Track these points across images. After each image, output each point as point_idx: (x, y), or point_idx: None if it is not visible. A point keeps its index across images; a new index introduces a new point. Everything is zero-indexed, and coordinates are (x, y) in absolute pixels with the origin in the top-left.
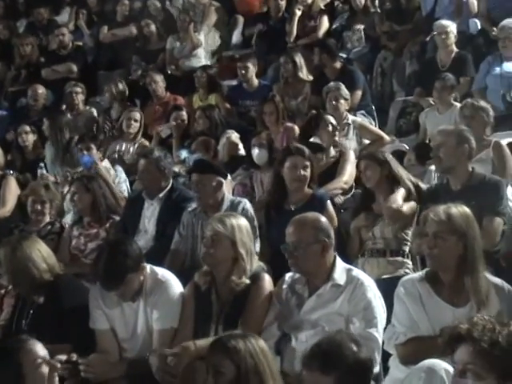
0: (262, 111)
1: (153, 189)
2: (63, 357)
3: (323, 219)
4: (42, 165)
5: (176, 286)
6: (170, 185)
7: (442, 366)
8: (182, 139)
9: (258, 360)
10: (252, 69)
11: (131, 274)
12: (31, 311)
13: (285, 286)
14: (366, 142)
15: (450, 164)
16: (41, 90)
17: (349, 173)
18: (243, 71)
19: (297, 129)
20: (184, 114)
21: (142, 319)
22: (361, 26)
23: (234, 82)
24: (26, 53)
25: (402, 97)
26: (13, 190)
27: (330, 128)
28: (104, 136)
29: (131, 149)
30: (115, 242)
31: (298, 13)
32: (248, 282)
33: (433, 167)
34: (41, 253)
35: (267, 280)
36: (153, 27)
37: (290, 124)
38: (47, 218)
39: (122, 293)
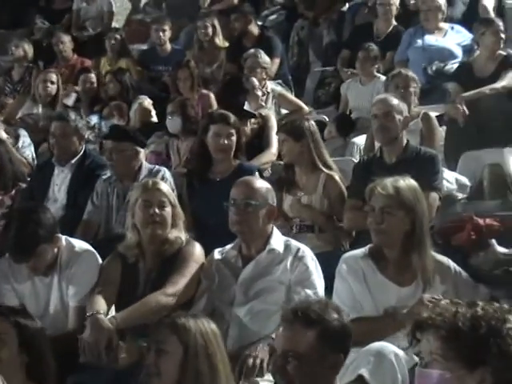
0: (175, 77)
1: (67, 154)
2: None
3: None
4: None
5: (95, 259)
6: (82, 151)
7: (391, 349)
8: (91, 104)
9: (209, 341)
10: (168, 32)
11: (44, 244)
12: None
13: (216, 260)
14: (284, 112)
15: (395, 134)
16: None
17: (275, 142)
18: (160, 33)
19: (212, 96)
20: (93, 76)
21: (55, 295)
22: None
23: (144, 47)
24: None
25: (318, 67)
26: None
27: (259, 92)
28: (4, 98)
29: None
30: (26, 210)
31: None
32: (181, 243)
33: (356, 139)
34: None
35: (198, 247)
36: None
37: (205, 91)
38: None
39: (33, 265)
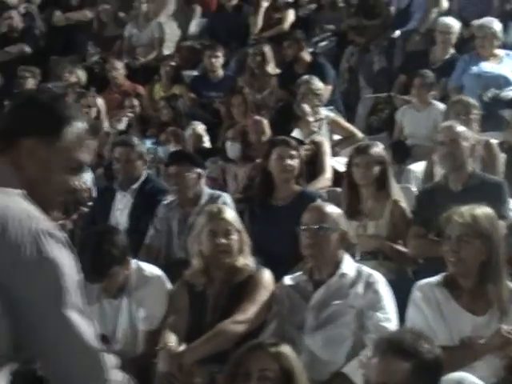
0: (229, 103)
1: (130, 179)
2: None
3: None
4: None
5: (164, 284)
6: (144, 175)
7: (471, 379)
8: (143, 129)
9: (297, 364)
10: (221, 59)
11: (117, 266)
12: None
13: (285, 285)
14: (336, 138)
15: (461, 161)
16: None
17: (330, 168)
18: (213, 60)
19: (265, 122)
20: (134, 100)
21: (124, 318)
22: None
23: (194, 73)
24: None
25: (368, 93)
26: None
27: (311, 118)
28: None
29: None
30: (101, 230)
31: (265, 4)
32: (250, 271)
33: (412, 166)
34: None
35: (268, 274)
36: (110, 12)
37: (258, 117)
38: None
39: (105, 287)
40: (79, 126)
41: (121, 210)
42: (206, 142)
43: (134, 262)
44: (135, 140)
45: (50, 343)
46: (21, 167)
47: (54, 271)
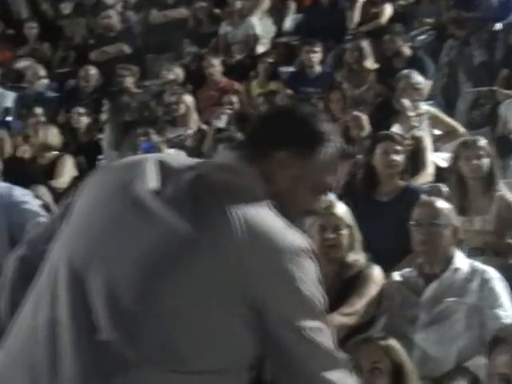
0: (327, 99)
1: None
2: None
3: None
4: (100, 157)
5: None
6: None
7: None
8: (241, 126)
9: (407, 359)
10: (318, 54)
11: None
12: None
13: (395, 281)
14: (437, 133)
15: None
16: (92, 71)
17: (431, 163)
18: (311, 55)
19: (365, 117)
20: (232, 97)
21: None
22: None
23: (291, 69)
24: (75, 34)
25: (468, 88)
26: (68, 166)
27: (411, 113)
28: (159, 121)
29: (189, 132)
30: None
31: None
32: (360, 266)
33: None
34: None
35: (378, 270)
36: (205, 10)
37: (356, 112)
38: None
39: None
40: (334, 147)
41: None
42: None
43: None
44: (239, 137)
45: (297, 360)
46: (270, 179)
47: (308, 290)
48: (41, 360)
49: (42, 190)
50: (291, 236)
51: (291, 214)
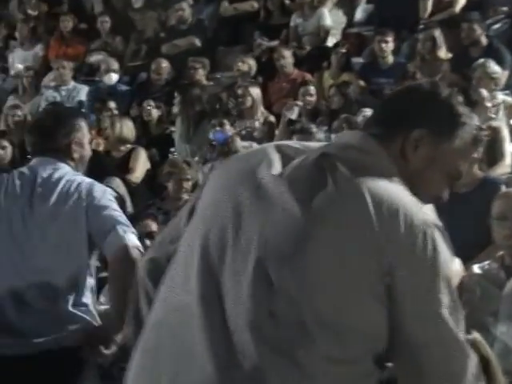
0: None
1: None
2: None
3: None
4: (172, 149)
5: None
6: None
7: None
8: (313, 117)
9: (491, 352)
10: (391, 44)
11: None
12: None
13: (475, 273)
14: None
15: None
16: (164, 64)
17: (509, 153)
18: (383, 45)
19: None
20: (312, 88)
21: None
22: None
23: (360, 60)
24: (146, 28)
25: None
26: (142, 160)
27: (488, 103)
28: (229, 113)
29: (256, 124)
30: None
31: None
32: None
33: None
34: None
35: (458, 262)
36: (276, 2)
37: None
38: (186, 196)
39: None
40: (470, 132)
41: None
42: None
43: None
44: (313, 127)
45: (421, 340)
46: (401, 158)
47: (443, 267)
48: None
49: (117, 182)
50: (424, 211)
51: (420, 197)
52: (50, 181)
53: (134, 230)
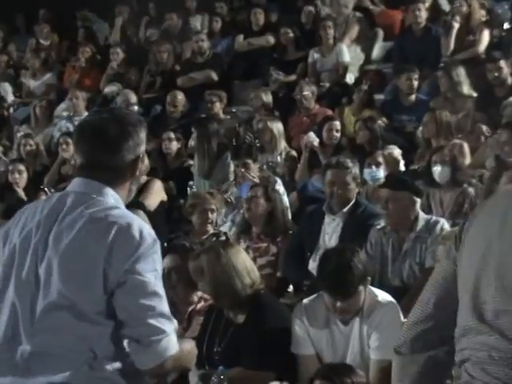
0: (424, 127)
1: (342, 202)
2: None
3: None
4: (191, 183)
5: (399, 311)
6: (354, 199)
7: None
8: (335, 153)
9: None
10: (415, 81)
11: (361, 284)
12: (229, 332)
13: None
14: None
15: None
16: (180, 96)
17: None
18: (408, 83)
19: (465, 145)
20: (338, 123)
21: (355, 345)
22: None
23: (382, 96)
24: (162, 60)
25: None
26: (156, 189)
27: None
28: (251, 148)
29: (278, 159)
30: (345, 248)
31: (456, 25)
32: None
33: None
34: (245, 264)
35: None
36: (291, 36)
37: (457, 140)
38: (211, 229)
39: (346, 307)
40: None
41: (329, 234)
42: (402, 167)
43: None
44: (349, 162)
45: None
46: None
47: None
48: None
49: (142, 216)
50: None
51: None
52: (70, 216)
53: (173, 320)
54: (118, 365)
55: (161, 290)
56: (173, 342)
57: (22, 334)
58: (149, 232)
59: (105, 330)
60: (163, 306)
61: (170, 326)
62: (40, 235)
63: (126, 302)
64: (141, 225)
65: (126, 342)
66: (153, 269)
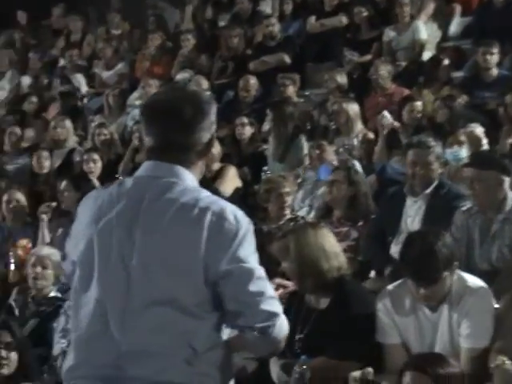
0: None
1: (424, 183)
2: (357, 373)
3: None
4: (265, 168)
5: (491, 297)
6: (437, 179)
7: None
8: (415, 132)
9: None
10: (496, 56)
11: (446, 270)
12: (311, 318)
13: None
14: None
15: None
16: (253, 80)
17: None
18: (488, 57)
19: None
20: (419, 104)
21: (443, 333)
22: None
23: (459, 74)
24: (234, 45)
25: None
26: (230, 176)
27: None
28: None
29: (355, 141)
30: (429, 231)
31: None
32: None
33: None
34: (334, 246)
35: None
36: (365, 15)
37: None
38: (288, 213)
39: (430, 294)
40: None
41: (412, 217)
42: (485, 146)
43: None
44: (431, 141)
45: None
46: None
47: None
48: None
49: None
50: None
51: None
52: (157, 204)
53: (278, 300)
54: (214, 359)
55: (263, 272)
56: (285, 322)
57: (114, 333)
58: (242, 214)
59: (204, 324)
60: (269, 287)
61: (280, 306)
62: (124, 227)
63: (236, 292)
64: (233, 208)
65: (238, 332)
66: (253, 251)
